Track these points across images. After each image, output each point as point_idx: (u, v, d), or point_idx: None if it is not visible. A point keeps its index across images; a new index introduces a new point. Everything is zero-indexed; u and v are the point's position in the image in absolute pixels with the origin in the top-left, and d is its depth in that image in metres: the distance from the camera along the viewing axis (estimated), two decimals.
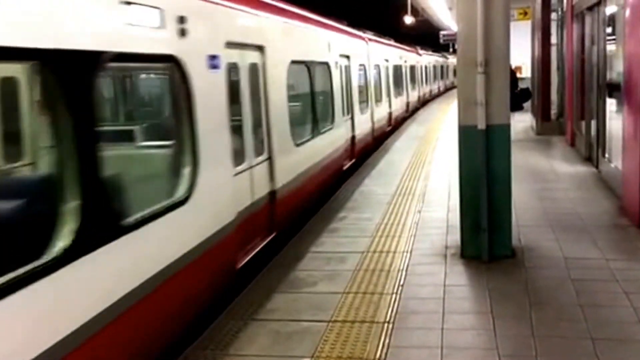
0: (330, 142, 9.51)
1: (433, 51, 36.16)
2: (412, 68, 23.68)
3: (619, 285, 5.14)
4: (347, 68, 11.60)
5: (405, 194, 8.97)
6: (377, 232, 7.04)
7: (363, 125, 12.74)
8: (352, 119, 11.69)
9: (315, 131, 8.69)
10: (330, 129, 9.56)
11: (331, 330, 4.54)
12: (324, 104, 9.59)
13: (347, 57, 11.60)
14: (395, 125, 18.19)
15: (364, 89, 13.40)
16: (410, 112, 22.72)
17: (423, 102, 27.41)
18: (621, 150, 7.60)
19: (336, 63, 10.41)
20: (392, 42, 19.62)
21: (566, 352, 4.10)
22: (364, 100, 13.22)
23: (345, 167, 10.71)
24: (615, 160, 8.23)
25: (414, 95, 23.83)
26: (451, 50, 44.44)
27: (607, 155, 9.03)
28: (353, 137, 11.65)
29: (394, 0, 26.83)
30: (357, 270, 5.81)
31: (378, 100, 15.18)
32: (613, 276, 5.34)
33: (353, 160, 11.53)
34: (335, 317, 4.77)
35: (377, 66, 15.35)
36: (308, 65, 8.59)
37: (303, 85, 8.47)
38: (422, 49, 29.24)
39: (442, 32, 34.28)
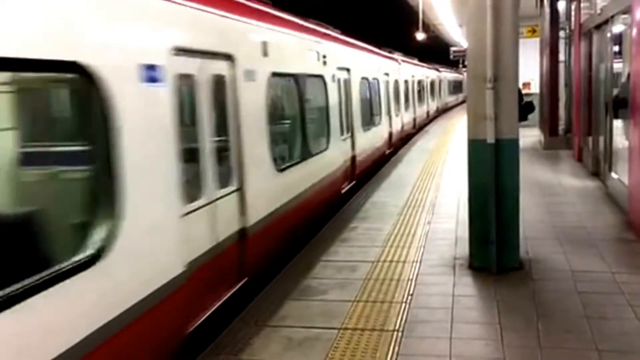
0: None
1: (420, 61, 25.89)
2: (375, 85, 13.78)
3: (624, 297, 5.18)
4: None
5: (415, 206, 9.07)
6: (388, 242, 7.11)
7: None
8: None
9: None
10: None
11: (342, 338, 4.59)
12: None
13: None
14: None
15: None
16: (360, 174, 11.25)
17: (398, 144, 16.56)
18: (627, 165, 7.65)
19: None
20: (316, 28, 9.38)
21: None
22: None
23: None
24: (622, 175, 8.28)
25: (373, 137, 12.94)
26: (461, 66, 44.44)
27: (613, 170, 9.09)
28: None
29: (408, 18, 26.86)
30: (368, 279, 5.87)
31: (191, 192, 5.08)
32: (619, 289, 5.38)
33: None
34: (345, 324, 4.83)
35: (188, 81, 4.79)
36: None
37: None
38: (403, 56, 19.96)
39: (452, 49, 34.51)
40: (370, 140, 12.54)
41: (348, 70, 10.85)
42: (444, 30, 29.17)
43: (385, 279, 5.85)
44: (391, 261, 6.39)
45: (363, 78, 12.24)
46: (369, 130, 12.52)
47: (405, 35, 30.08)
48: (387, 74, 15.56)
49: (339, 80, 10.02)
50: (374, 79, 13.67)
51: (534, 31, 18.65)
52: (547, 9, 15.47)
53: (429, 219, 8.17)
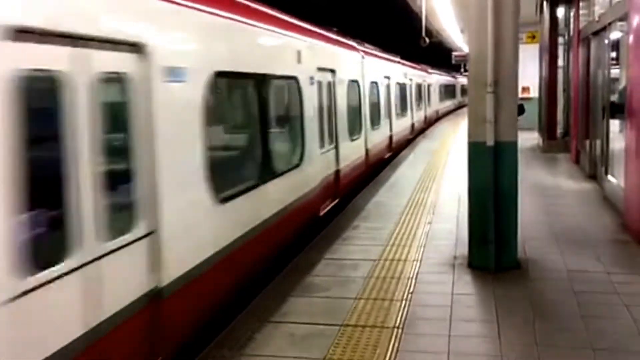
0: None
1: (403, 58, 19.43)
2: (294, 92, 7.46)
3: (619, 297, 5.24)
4: None
5: (416, 206, 9.13)
6: (389, 241, 7.16)
7: None
8: None
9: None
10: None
11: (343, 334, 4.65)
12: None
13: None
14: None
15: None
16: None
17: (355, 182, 10.66)
18: (623, 168, 7.72)
19: None
20: None
21: None
22: None
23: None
24: (618, 178, 8.35)
25: (284, 196, 6.72)
26: (462, 70, 44.39)
27: (609, 173, 9.18)
28: None
29: (413, 24, 26.94)
30: (369, 277, 5.93)
31: None
32: (614, 289, 5.44)
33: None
34: (347, 321, 4.88)
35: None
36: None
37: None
38: (374, 49, 14.36)
39: (454, 53, 34.75)
40: (276, 204, 6.39)
41: (189, 57, 4.68)
42: (447, 35, 29.27)
43: (386, 277, 5.90)
44: (392, 260, 6.45)
45: (239, 74, 5.80)
46: (273, 186, 6.35)
47: (409, 40, 30.24)
48: (332, 71, 9.34)
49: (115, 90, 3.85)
50: (292, 77, 7.33)
51: (533, 37, 18.74)
52: (546, 16, 15.56)
53: (430, 219, 8.23)
